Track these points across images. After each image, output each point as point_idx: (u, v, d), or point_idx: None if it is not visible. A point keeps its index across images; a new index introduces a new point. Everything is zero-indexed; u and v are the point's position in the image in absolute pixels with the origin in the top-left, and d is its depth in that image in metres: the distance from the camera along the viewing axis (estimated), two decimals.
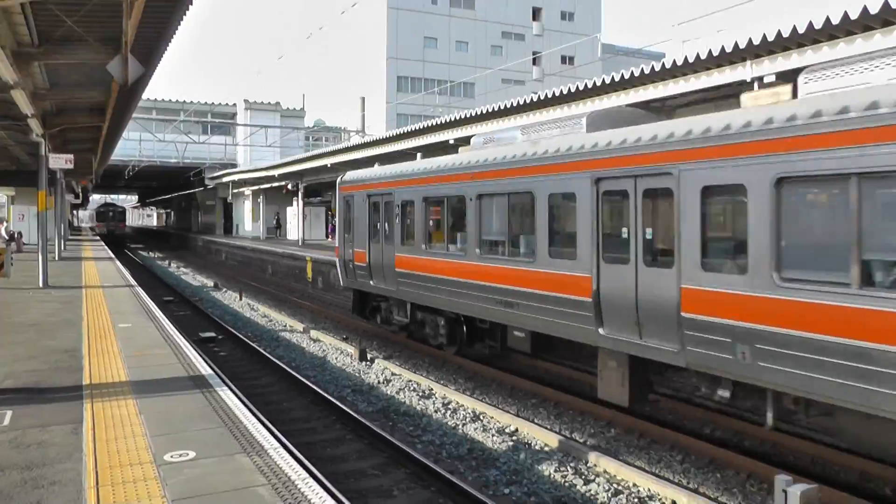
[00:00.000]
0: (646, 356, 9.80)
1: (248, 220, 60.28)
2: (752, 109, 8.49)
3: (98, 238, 61.70)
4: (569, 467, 9.69)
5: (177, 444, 6.72)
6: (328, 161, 35.65)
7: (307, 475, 5.94)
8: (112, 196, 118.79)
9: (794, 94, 8.47)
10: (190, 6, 11.64)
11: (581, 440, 10.97)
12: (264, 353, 16.90)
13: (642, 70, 14.29)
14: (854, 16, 10.36)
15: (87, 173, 45.74)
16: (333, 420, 11.91)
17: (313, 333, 20.26)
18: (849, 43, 11.16)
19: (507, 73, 70.36)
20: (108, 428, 7.24)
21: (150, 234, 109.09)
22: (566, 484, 9.22)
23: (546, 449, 10.52)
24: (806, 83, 8.40)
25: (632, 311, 9.84)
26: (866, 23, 10.53)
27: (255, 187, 54.98)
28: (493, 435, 11.10)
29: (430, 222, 15.36)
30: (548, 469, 9.67)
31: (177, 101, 63.95)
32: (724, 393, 9.35)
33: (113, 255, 35.87)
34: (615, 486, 9.09)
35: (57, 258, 30.58)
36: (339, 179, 19.94)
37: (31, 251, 31.05)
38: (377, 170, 18.64)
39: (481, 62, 76.13)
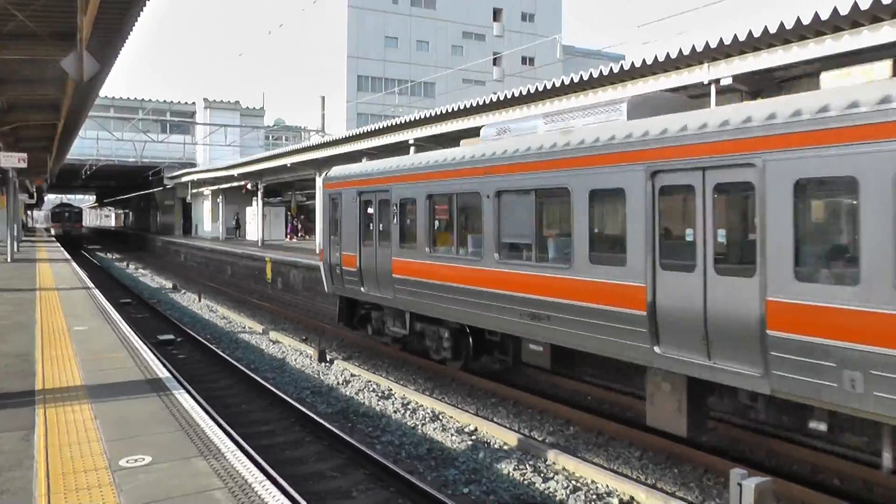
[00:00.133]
0: (715, 380, 8.37)
1: (208, 220, 59.65)
2: (857, 88, 7.18)
3: (54, 239, 60.58)
4: (528, 465, 9.77)
5: (133, 448, 6.64)
6: (288, 161, 35.49)
7: (264, 478, 5.91)
8: (69, 196, 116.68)
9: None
10: (148, 1, 11.50)
11: (540, 438, 11.05)
12: (223, 355, 16.76)
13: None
14: (824, 17, 10.56)
15: (42, 172, 44.90)
16: (293, 422, 11.86)
17: (273, 335, 20.13)
18: (802, 47, 11.45)
19: (467, 73, 70.60)
20: (61, 434, 7.12)
21: (107, 235, 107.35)
22: (525, 482, 9.29)
23: (505, 448, 10.59)
24: None
25: (698, 326, 8.40)
26: (836, 24, 10.74)
27: (215, 187, 54.45)
28: (452, 434, 11.15)
29: (436, 222, 13.72)
30: (507, 468, 9.73)
31: (135, 99, 63.10)
32: (818, 426, 7.97)
33: (69, 257, 35.21)
34: (574, 483, 9.18)
35: (9, 260, 29.94)
36: (323, 176, 18.01)
37: None
38: (370, 164, 16.72)
39: (442, 62, 76.25)
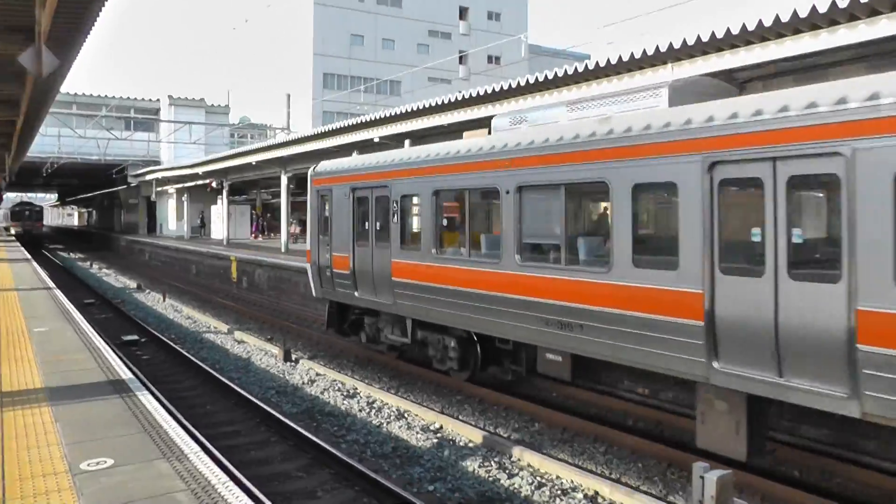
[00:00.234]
0: (789, 400, 7.44)
1: (173, 218, 58.99)
2: None
3: (13, 238, 59.58)
4: (493, 462, 9.83)
5: (94, 451, 6.58)
6: (253, 159, 35.19)
7: (227, 479, 5.90)
8: (29, 194, 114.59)
9: None
10: None
11: (505, 435, 11.13)
12: (188, 355, 16.61)
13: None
14: (785, 18, 10.34)
15: (0, 171, 44.05)
16: (258, 422, 11.80)
17: (237, 335, 20.00)
18: (763, 47, 11.55)
19: (433, 71, 70.52)
20: (19, 437, 7.03)
21: (70, 234, 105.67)
22: (490, 479, 9.35)
23: (470, 445, 10.64)
24: None
25: (768, 339, 7.44)
26: (797, 25, 10.67)
27: (179, 185, 53.83)
28: (417, 433, 11.18)
29: (444, 221, 12.64)
30: (472, 465, 9.79)
31: (98, 95, 62.08)
32: None
33: (29, 257, 34.65)
34: (539, 479, 9.26)
35: None
36: (311, 170, 16.79)
37: None
38: (365, 158, 15.13)
39: (408, 60, 76.06)
